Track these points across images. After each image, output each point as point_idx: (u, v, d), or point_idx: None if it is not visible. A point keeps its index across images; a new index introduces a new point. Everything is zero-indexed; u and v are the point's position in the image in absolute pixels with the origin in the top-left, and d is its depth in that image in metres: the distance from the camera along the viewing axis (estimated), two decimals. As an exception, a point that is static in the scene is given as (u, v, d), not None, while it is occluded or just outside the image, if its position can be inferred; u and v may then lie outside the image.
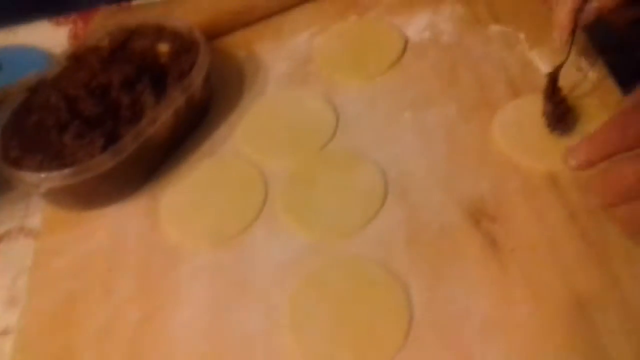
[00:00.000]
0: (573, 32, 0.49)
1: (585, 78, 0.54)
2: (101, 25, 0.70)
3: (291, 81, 0.60)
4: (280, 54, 0.63)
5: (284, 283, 0.44)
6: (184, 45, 0.58)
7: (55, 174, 0.47)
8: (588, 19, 0.50)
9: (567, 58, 0.50)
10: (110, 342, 0.43)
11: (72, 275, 0.48)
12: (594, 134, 0.37)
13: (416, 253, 0.45)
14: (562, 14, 0.49)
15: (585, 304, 0.40)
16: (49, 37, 0.72)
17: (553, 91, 0.50)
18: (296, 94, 0.59)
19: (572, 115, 0.50)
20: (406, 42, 0.61)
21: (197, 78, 0.53)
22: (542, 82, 0.52)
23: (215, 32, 0.65)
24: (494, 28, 0.60)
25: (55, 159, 0.49)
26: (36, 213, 0.53)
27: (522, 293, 0.41)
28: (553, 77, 0.50)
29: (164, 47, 0.58)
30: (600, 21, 0.54)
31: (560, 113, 0.49)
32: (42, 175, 0.47)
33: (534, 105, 0.51)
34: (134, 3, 0.75)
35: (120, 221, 0.51)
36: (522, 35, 0.59)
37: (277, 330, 0.42)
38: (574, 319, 0.39)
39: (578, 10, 0.49)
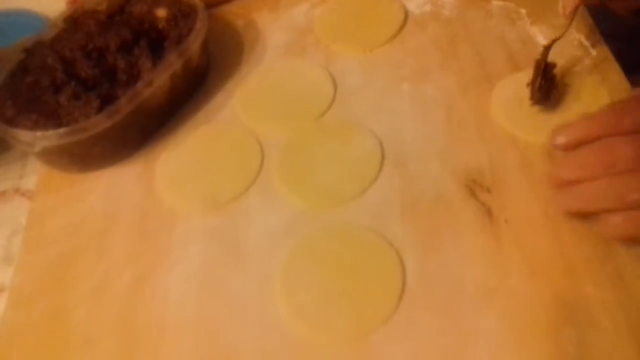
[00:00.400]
0: (577, 8, 0.49)
1: (587, 56, 0.53)
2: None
3: (289, 51, 0.60)
4: (279, 24, 0.62)
5: (276, 249, 0.44)
6: (182, 11, 0.57)
7: (50, 133, 0.47)
8: None
9: (564, 32, 0.50)
10: (102, 300, 0.43)
11: (67, 235, 0.47)
12: (592, 116, 0.40)
13: (411, 222, 0.45)
14: None
15: (579, 275, 0.40)
16: (47, 1, 0.71)
17: (545, 65, 0.49)
18: (294, 63, 0.58)
19: (557, 91, 0.49)
20: (407, 14, 0.60)
21: (194, 43, 0.53)
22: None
23: (214, 0, 0.65)
24: (496, 3, 0.60)
25: (50, 118, 0.48)
26: (32, 174, 0.53)
27: (516, 263, 0.41)
28: (546, 50, 0.49)
29: (162, 12, 0.57)
30: (605, 10, 0.54)
31: (547, 88, 0.49)
32: (38, 133, 0.47)
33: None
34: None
35: (115, 183, 0.51)
36: (523, 11, 0.58)
37: (269, 295, 0.42)
38: (566, 289, 0.39)
39: None
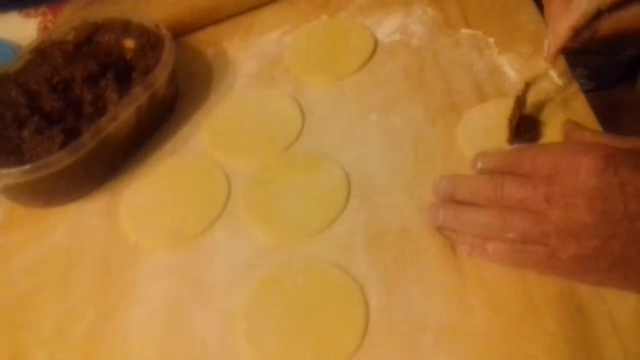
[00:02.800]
0: (560, 49, 0.49)
1: (556, 89, 0.53)
2: (70, 17, 0.69)
3: (259, 80, 0.60)
4: (249, 52, 0.62)
5: (241, 285, 0.44)
6: (150, 41, 0.57)
7: (12, 170, 0.46)
8: (592, 38, 0.48)
9: (544, 74, 0.50)
10: (64, 342, 0.43)
11: (30, 273, 0.47)
12: (504, 153, 0.46)
13: (375, 256, 0.44)
14: (563, 27, 0.47)
15: (540, 311, 0.40)
16: (19, 29, 0.70)
17: (515, 118, 0.49)
18: (264, 93, 0.58)
19: (533, 129, 0.50)
20: (376, 43, 0.61)
21: (160, 75, 0.53)
22: (509, 87, 0.53)
23: (184, 29, 0.65)
24: (465, 32, 0.60)
25: (13, 154, 0.48)
26: (-4, 209, 0.52)
27: (479, 299, 0.41)
28: (527, 87, 0.49)
29: (129, 43, 0.57)
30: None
31: (523, 127, 0.49)
32: (0, 171, 0.46)
33: (499, 110, 0.51)
34: (105, -5, 0.74)
35: (81, 219, 0.50)
36: (491, 40, 0.59)
37: (232, 333, 0.42)
38: (528, 325, 0.39)
39: (579, 29, 0.47)
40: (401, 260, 0.44)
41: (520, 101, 0.49)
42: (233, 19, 0.66)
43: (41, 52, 0.56)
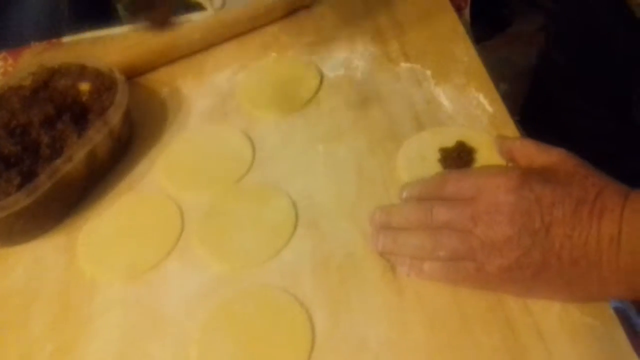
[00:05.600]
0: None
1: (485, 114, 0.58)
2: (28, 62, 0.72)
3: (212, 117, 0.63)
4: (202, 91, 0.66)
5: (195, 315, 0.46)
6: (105, 84, 0.60)
7: (-31, 213, 0.48)
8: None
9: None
10: (22, 377, 0.44)
11: (-13, 312, 0.48)
12: (426, 180, 0.49)
13: (321, 281, 0.47)
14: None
15: (473, 325, 0.43)
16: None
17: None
18: (216, 129, 0.61)
19: (466, 155, 0.53)
20: (322, 78, 0.64)
21: (114, 116, 0.55)
22: (444, 116, 0.57)
23: (139, 70, 0.68)
24: (404, 65, 0.64)
25: (-30, 197, 0.50)
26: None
27: (417, 316, 0.44)
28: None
29: (85, 86, 0.60)
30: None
31: (456, 153, 0.53)
32: (-43, 214, 0.48)
33: (435, 138, 0.55)
34: (63, 40, 0.77)
35: (39, 257, 0.52)
36: (428, 72, 0.63)
37: None
38: (462, 339, 0.42)
39: None
40: (345, 283, 0.47)
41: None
42: (186, 59, 0.70)
43: (-1, 97, 0.59)
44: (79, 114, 0.58)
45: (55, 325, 0.47)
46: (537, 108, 0.83)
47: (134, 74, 0.66)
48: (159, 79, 0.68)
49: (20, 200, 0.49)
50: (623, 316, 0.42)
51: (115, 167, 0.58)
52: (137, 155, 0.59)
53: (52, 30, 0.79)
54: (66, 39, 0.76)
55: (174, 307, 0.47)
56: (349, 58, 0.66)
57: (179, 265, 0.50)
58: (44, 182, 0.50)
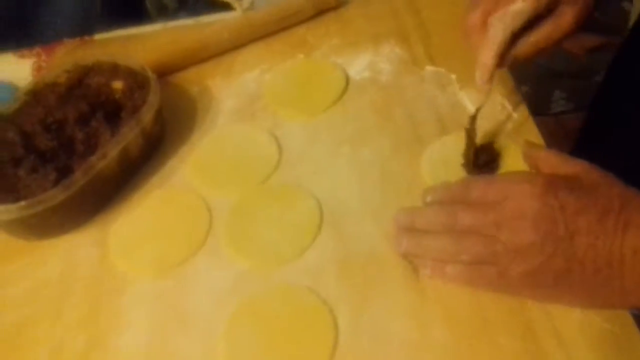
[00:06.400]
0: (492, 76, 0.53)
1: (510, 119, 0.58)
2: (62, 59, 0.74)
3: (240, 116, 0.64)
4: (231, 90, 0.67)
5: (221, 310, 0.48)
6: (137, 82, 0.61)
7: (8, 207, 0.50)
8: (516, 60, 0.53)
9: (486, 100, 0.54)
10: (57, 365, 0.46)
11: (23, 302, 0.50)
12: (451, 185, 0.50)
13: (345, 280, 0.48)
14: (486, 57, 0.52)
15: (493, 327, 0.44)
16: (15, 69, 0.74)
17: (472, 135, 0.54)
18: (244, 128, 0.62)
19: (490, 161, 0.54)
20: (348, 80, 0.65)
21: (146, 114, 0.57)
22: (468, 121, 0.58)
23: (170, 68, 0.69)
24: (429, 69, 0.65)
25: (9, 192, 0.52)
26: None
27: (438, 317, 0.45)
28: (473, 119, 0.54)
29: (118, 84, 0.61)
30: (560, 49, 0.59)
31: (480, 159, 0.54)
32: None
33: (459, 143, 0.56)
34: (96, 37, 0.79)
35: (72, 251, 0.54)
36: (453, 76, 0.64)
37: (212, 356, 0.45)
38: (481, 341, 0.43)
39: (503, 55, 0.52)
40: (368, 283, 0.48)
41: (469, 132, 0.54)
42: (215, 59, 0.71)
43: (35, 94, 0.61)
44: (112, 112, 0.59)
45: (87, 317, 0.49)
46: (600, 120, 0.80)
47: (164, 72, 0.68)
48: (188, 78, 0.69)
49: (56, 196, 0.51)
50: (643, 324, 0.43)
51: (146, 164, 0.60)
52: (167, 153, 0.61)
53: (84, 27, 0.81)
54: (98, 36, 0.78)
55: (201, 302, 0.49)
56: (374, 60, 0.67)
57: (207, 262, 0.51)
58: (79, 178, 0.52)
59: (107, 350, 0.47)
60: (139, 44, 0.73)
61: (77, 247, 0.54)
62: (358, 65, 0.67)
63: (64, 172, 0.53)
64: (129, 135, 0.56)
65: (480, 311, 0.45)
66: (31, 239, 0.55)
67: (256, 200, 0.55)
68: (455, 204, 0.47)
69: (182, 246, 0.52)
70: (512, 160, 0.54)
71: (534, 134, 0.57)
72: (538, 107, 0.59)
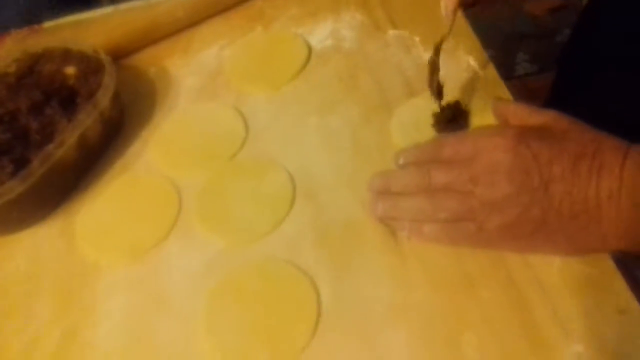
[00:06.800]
0: (457, 7, 0.52)
1: (477, 78, 0.58)
2: (11, 50, 0.70)
3: (202, 94, 0.62)
4: (190, 69, 0.65)
5: (200, 291, 0.46)
6: (91, 67, 0.59)
7: (-36, 203, 0.48)
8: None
9: (448, 34, 0.53)
10: (32, 363, 0.44)
11: (-10, 301, 0.48)
12: (423, 145, 0.49)
13: (323, 249, 0.47)
14: None
15: (474, 282, 0.44)
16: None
17: (435, 78, 0.53)
18: (207, 106, 0.61)
19: (460, 118, 0.54)
20: (310, 50, 0.64)
21: (103, 98, 0.54)
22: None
23: (124, 51, 0.67)
24: (392, 32, 0.64)
25: (-37, 188, 0.49)
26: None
27: (419, 278, 0.45)
28: (433, 59, 0.53)
29: (71, 70, 0.59)
30: (521, 10, 0.58)
31: (449, 117, 0.53)
32: (-49, 204, 0.48)
33: (427, 104, 0.55)
34: (45, 25, 0.75)
35: (37, 244, 0.52)
36: (417, 38, 0.63)
37: (194, 336, 0.44)
38: (464, 297, 0.43)
39: None
40: (347, 251, 0.47)
41: (433, 65, 0.53)
42: (171, 37, 0.69)
43: (-17, 86, 0.58)
44: (67, 99, 0.57)
45: (60, 310, 0.47)
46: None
47: (119, 55, 0.65)
48: (144, 60, 0.67)
49: (14, 188, 0.48)
50: (625, 268, 0.43)
51: (107, 150, 0.58)
52: (128, 137, 0.59)
53: (32, 16, 0.77)
54: (47, 24, 0.75)
55: (178, 285, 0.47)
56: (335, 28, 0.66)
57: (180, 244, 0.50)
58: (37, 168, 0.50)
59: (84, 342, 0.45)
60: (90, 28, 0.70)
61: (42, 240, 0.52)
62: (319, 34, 0.66)
63: (21, 164, 0.51)
64: (87, 121, 0.53)
65: (460, 268, 0.45)
66: (-8, 235, 0.52)
67: (226, 178, 0.54)
68: (428, 163, 0.47)
69: (152, 230, 0.51)
70: (481, 117, 0.54)
71: (502, 91, 0.56)
72: (503, 70, 0.59)
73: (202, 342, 0.44)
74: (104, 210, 0.53)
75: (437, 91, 0.53)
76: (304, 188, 0.52)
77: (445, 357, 0.40)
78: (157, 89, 0.63)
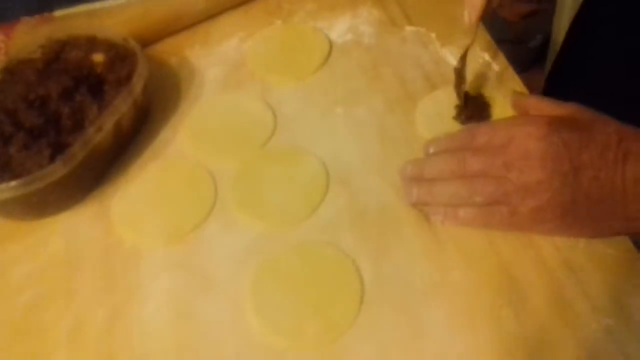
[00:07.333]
0: (480, 16, 0.55)
1: (491, 71, 0.61)
2: (23, 38, 0.70)
3: (226, 84, 0.63)
4: (212, 59, 0.66)
5: (241, 271, 0.48)
6: (119, 54, 0.59)
7: (7, 185, 0.48)
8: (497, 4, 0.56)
9: (472, 42, 0.57)
10: (80, 342, 0.45)
11: (32, 283, 0.48)
12: (454, 134, 0.52)
13: (360, 233, 0.49)
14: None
15: (507, 262, 0.47)
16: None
17: (461, 83, 0.56)
18: (233, 96, 0.62)
19: (482, 110, 0.57)
20: (331, 43, 0.66)
21: (138, 85, 0.55)
22: (453, 76, 0.60)
23: (144, 40, 0.67)
24: (408, 29, 0.67)
25: (3, 171, 0.49)
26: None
27: (454, 259, 0.47)
28: (459, 67, 0.56)
29: (99, 57, 0.59)
30: (496, 17, 0.61)
31: (472, 109, 0.56)
32: (-4, 186, 0.48)
33: (448, 97, 0.58)
34: (55, 14, 0.75)
35: (73, 227, 0.52)
36: (433, 35, 0.66)
37: (241, 314, 0.45)
38: (498, 276, 0.46)
39: None
40: (383, 233, 0.49)
41: (459, 73, 0.56)
42: (190, 29, 0.70)
43: (11, 71, 0.58)
44: (95, 85, 0.57)
45: (103, 292, 0.48)
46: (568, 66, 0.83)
47: (140, 44, 0.66)
48: (165, 50, 0.67)
49: (57, 171, 0.49)
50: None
51: (138, 136, 0.58)
52: (157, 124, 0.60)
53: (42, 4, 0.77)
54: (58, 12, 0.75)
55: (220, 266, 0.49)
56: (354, 24, 0.68)
57: (218, 228, 0.51)
58: (78, 152, 0.50)
59: (131, 322, 0.46)
60: (106, 18, 0.70)
61: (78, 223, 0.52)
62: (338, 29, 0.68)
63: (57, 148, 0.51)
64: (123, 107, 0.54)
65: (493, 249, 0.48)
66: (28, 218, 0.52)
67: (258, 165, 0.55)
68: (461, 151, 0.49)
69: (190, 214, 0.52)
70: (502, 110, 0.57)
71: (516, 83, 0.60)
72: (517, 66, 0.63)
73: (249, 320, 0.45)
74: (139, 194, 0.54)
75: (465, 98, 0.56)
76: (337, 175, 0.54)
77: (486, 330, 0.43)
78: (181, 78, 0.64)
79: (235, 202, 0.52)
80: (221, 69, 0.65)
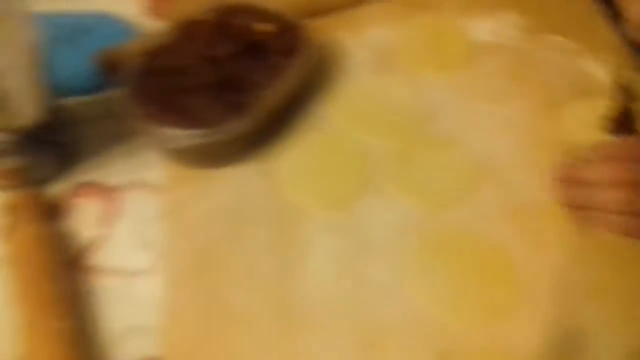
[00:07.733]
0: None
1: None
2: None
3: (376, 69, 0.66)
4: (360, 43, 0.69)
5: (402, 246, 0.51)
6: (285, 27, 0.63)
7: (195, 132, 0.51)
8: None
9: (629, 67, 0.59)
10: (254, 282, 0.49)
11: (206, 225, 0.52)
12: (617, 144, 0.53)
13: (515, 224, 0.52)
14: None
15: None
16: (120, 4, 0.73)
17: (617, 95, 0.58)
18: (384, 80, 0.65)
19: (632, 122, 0.58)
20: (475, 42, 0.68)
21: (306, 57, 0.59)
22: (599, 86, 0.62)
23: (300, 18, 0.70)
24: (550, 37, 0.69)
25: (189, 120, 0.53)
26: (152, 168, 0.56)
27: (607, 261, 0.50)
28: (617, 80, 0.58)
29: (268, 26, 0.63)
30: None
31: (622, 121, 0.58)
32: (184, 132, 0.51)
33: (595, 107, 0.59)
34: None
35: (241, 181, 0.55)
36: (575, 46, 0.68)
37: (403, 282, 0.49)
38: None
39: None
40: (537, 229, 0.52)
41: (616, 86, 0.58)
42: (336, 13, 0.72)
43: (187, 29, 0.61)
44: (261, 53, 0.61)
45: (273, 243, 0.51)
46: None
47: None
48: (314, 28, 0.70)
49: (241, 126, 0.53)
50: None
51: (297, 106, 0.61)
52: (311, 99, 0.63)
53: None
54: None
55: (381, 237, 0.52)
56: (496, 27, 0.70)
57: (377, 202, 0.54)
58: (261, 111, 0.54)
59: (300, 273, 0.49)
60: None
61: (244, 179, 0.56)
62: (481, 30, 0.70)
63: (234, 106, 0.55)
64: (296, 75, 0.58)
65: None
66: (200, 167, 0.56)
67: (413, 148, 0.58)
68: (629, 160, 0.51)
69: (350, 185, 0.55)
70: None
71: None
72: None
73: (411, 288, 0.48)
74: (302, 159, 0.57)
75: (617, 110, 0.57)
76: (488, 167, 0.57)
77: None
78: (330, 57, 0.67)
79: (394, 180, 0.55)
80: (370, 54, 0.68)
